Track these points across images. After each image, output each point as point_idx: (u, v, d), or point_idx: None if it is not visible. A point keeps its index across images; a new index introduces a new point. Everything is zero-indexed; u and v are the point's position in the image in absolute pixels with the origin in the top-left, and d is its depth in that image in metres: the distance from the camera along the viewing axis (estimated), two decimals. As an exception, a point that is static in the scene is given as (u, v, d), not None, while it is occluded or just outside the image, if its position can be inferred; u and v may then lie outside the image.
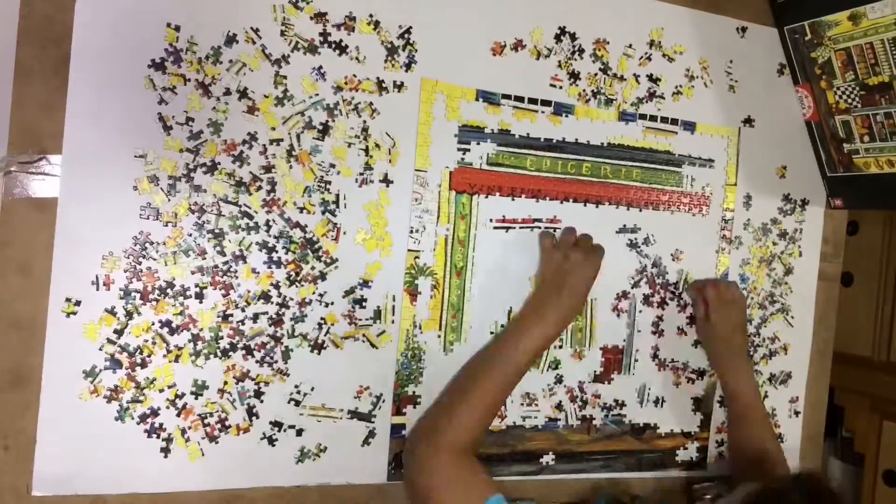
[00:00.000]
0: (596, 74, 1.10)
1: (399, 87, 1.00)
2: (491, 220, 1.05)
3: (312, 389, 0.97)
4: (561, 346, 1.09)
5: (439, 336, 1.03)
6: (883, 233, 1.96)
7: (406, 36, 1.00)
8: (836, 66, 1.11)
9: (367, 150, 0.98)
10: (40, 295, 0.86)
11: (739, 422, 1.11)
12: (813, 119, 1.21)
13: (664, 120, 1.14)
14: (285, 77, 0.94)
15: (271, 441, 0.95)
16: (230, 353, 0.93)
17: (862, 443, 2.02)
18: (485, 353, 1.03)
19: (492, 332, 1.05)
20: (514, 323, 1.04)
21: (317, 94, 0.96)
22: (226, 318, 0.92)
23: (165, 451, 0.91)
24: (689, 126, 1.16)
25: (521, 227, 1.07)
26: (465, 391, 0.97)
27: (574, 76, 1.09)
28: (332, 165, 0.96)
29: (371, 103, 0.98)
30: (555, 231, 1.08)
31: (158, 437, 0.90)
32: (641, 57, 1.13)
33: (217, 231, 0.92)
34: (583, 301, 1.03)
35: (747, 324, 1.18)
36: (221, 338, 0.92)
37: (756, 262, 1.22)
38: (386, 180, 0.99)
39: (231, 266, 0.92)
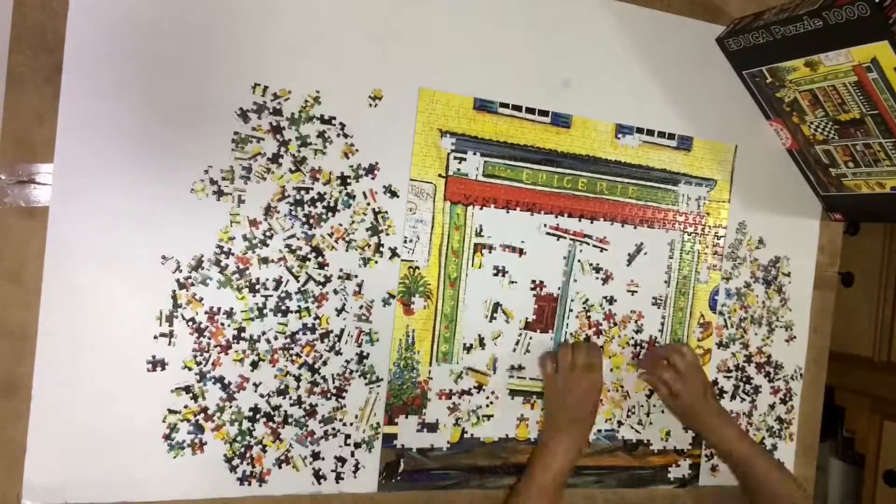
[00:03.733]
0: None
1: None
2: (545, 226, 1.07)
3: (308, 400, 0.97)
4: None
5: (432, 347, 1.03)
6: (884, 233, 1.95)
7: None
8: (804, 105, 1.09)
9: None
10: (31, 304, 0.85)
11: (747, 478, 1.08)
12: (793, 147, 1.20)
13: (661, 135, 1.13)
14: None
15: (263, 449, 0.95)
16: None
17: (862, 443, 2.03)
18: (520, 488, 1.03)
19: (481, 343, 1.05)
20: (532, 461, 1.05)
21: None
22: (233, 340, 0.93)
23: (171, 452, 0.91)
24: (686, 142, 1.15)
25: (572, 238, 1.08)
26: None
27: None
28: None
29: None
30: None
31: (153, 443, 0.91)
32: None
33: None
34: (591, 423, 1.06)
35: (708, 380, 1.14)
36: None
37: (748, 277, 1.21)
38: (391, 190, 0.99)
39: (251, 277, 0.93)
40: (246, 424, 0.94)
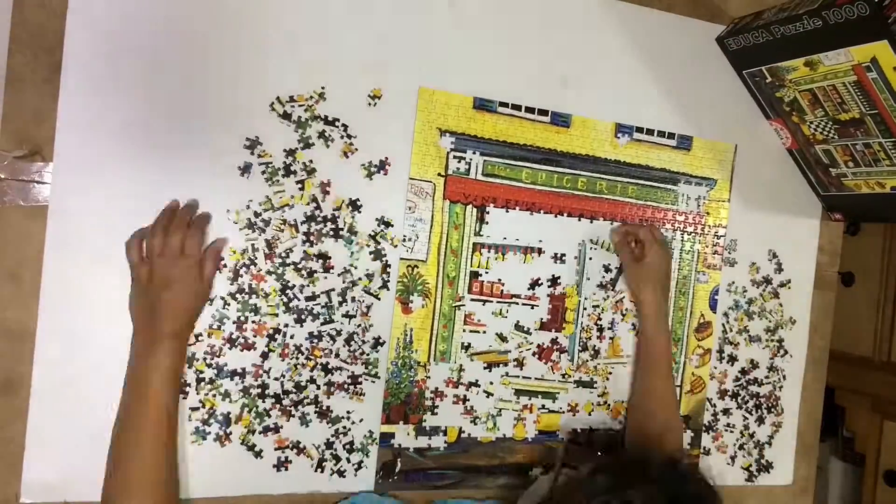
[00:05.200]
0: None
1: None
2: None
3: (306, 399, 0.97)
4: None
5: (430, 346, 1.03)
6: (884, 233, 1.95)
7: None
8: (804, 105, 1.09)
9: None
10: (30, 303, 0.86)
11: (649, 372, 1.08)
12: (793, 147, 1.20)
13: (661, 134, 1.13)
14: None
15: (257, 453, 0.96)
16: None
17: (863, 443, 2.03)
18: (117, 422, 0.85)
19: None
20: (128, 377, 0.86)
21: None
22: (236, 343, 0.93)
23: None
24: (686, 141, 1.15)
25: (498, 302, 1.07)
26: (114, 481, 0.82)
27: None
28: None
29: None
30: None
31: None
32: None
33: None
34: (191, 320, 0.90)
35: (671, 265, 1.14)
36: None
37: (748, 277, 1.21)
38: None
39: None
40: (249, 424, 0.95)
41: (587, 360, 1.11)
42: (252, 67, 0.93)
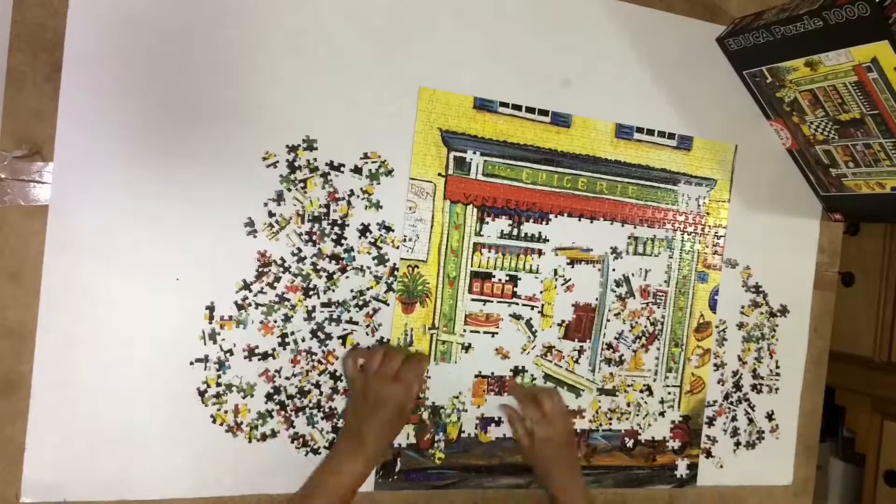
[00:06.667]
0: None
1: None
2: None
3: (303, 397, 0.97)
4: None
5: (430, 346, 1.03)
6: (884, 233, 1.95)
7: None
8: (805, 105, 1.09)
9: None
10: (30, 302, 0.86)
11: None
12: (793, 147, 1.20)
13: (661, 134, 1.13)
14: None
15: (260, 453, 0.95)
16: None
17: (863, 443, 2.03)
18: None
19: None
20: (329, 461, 0.93)
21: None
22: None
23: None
24: (686, 141, 1.15)
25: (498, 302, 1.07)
26: None
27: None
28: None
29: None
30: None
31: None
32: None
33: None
34: (388, 441, 0.97)
35: (574, 436, 1.09)
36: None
37: (748, 277, 1.21)
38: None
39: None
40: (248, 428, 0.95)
41: (610, 370, 1.13)
42: (252, 66, 0.93)
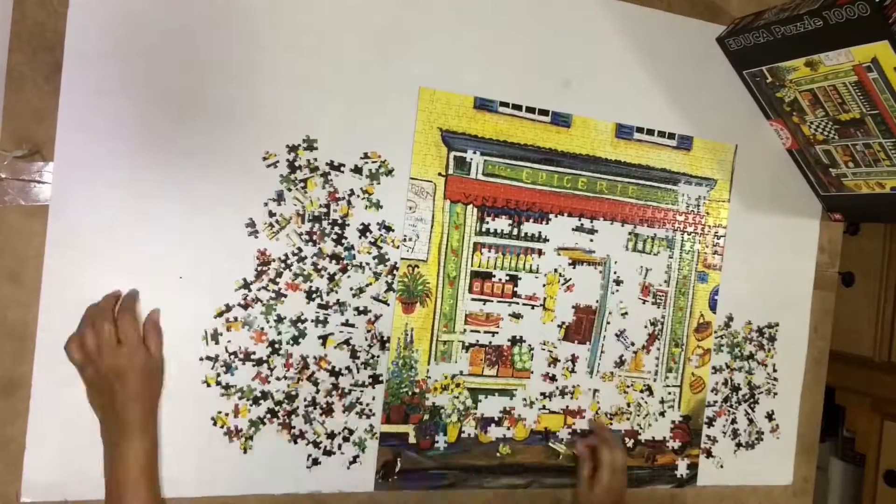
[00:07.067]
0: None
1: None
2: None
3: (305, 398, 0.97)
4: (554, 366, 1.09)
5: (431, 346, 1.03)
6: (884, 233, 1.96)
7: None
8: (805, 105, 1.09)
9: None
10: (30, 303, 0.86)
11: None
12: (793, 147, 1.20)
13: (661, 134, 1.13)
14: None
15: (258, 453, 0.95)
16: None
17: (863, 443, 2.03)
18: None
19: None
20: (107, 459, 0.85)
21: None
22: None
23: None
24: (686, 141, 1.15)
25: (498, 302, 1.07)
26: None
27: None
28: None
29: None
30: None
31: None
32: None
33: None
34: (154, 400, 0.88)
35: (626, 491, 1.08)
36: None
37: (748, 276, 1.21)
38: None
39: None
40: (252, 414, 0.95)
41: (610, 370, 1.13)
42: (252, 66, 0.93)
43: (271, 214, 0.94)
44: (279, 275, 0.95)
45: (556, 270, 1.08)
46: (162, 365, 0.90)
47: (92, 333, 0.83)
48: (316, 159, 0.96)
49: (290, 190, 0.95)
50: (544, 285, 1.08)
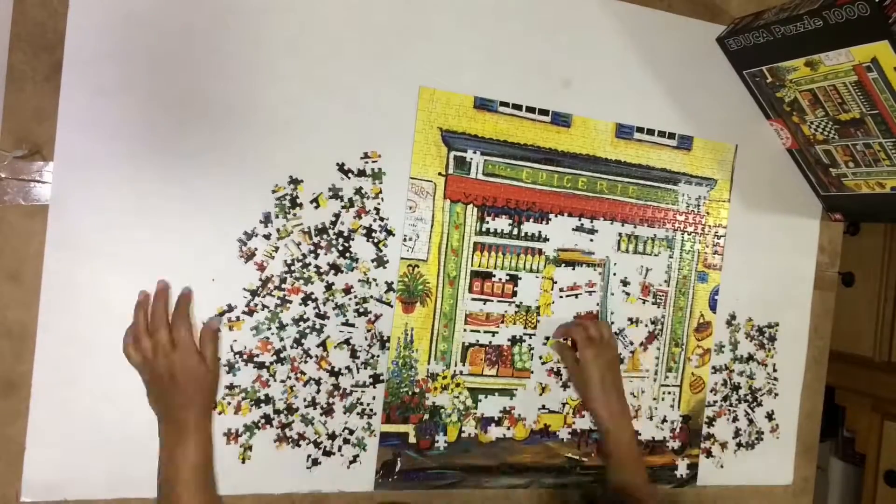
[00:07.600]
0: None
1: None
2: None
3: (305, 399, 0.97)
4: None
5: (431, 345, 1.03)
6: (884, 233, 1.96)
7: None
8: (805, 105, 1.09)
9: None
10: (30, 303, 0.86)
11: (616, 469, 1.02)
12: (793, 147, 1.20)
13: (661, 134, 1.13)
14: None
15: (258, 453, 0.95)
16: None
17: (863, 443, 2.03)
18: None
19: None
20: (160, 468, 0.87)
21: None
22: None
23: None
24: (686, 141, 1.15)
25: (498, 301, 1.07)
26: None
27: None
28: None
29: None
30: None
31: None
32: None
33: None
34: (207, 404, 0.90)
35: (619, 363, 1.10)
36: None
37: (748, 276, 1.21)
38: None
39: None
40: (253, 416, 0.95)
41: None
42: (252, 65, 0.93)
43: (272, 214, 0.94)
44: (283, 281, 0.95)
45: (556, 268, 1.08)
46: (217, 370, 0.92)
47: (146, 338, 0.86)
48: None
49: (290, 188, 0.95)
50: (543, 277, 1.08)
